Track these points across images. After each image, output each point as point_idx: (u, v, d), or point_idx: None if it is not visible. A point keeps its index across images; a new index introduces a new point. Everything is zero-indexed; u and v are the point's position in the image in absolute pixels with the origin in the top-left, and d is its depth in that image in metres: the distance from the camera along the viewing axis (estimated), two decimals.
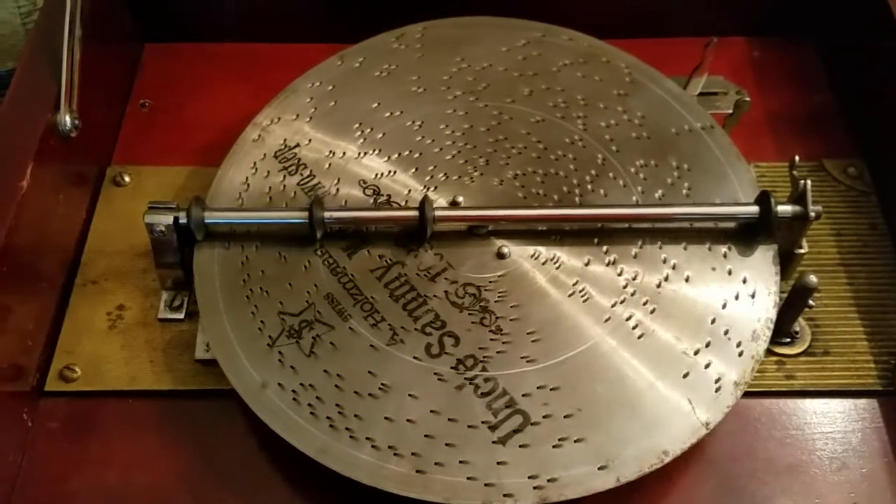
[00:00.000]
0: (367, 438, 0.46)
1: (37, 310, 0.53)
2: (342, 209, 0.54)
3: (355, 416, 0.47)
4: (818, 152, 0.61)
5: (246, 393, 0.48)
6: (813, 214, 0.50)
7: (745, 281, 0.50)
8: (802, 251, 0.52)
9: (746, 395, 0.48)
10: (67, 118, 0.54)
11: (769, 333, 0.49)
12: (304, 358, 0.49)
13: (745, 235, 0.52)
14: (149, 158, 0.62)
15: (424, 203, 0.51)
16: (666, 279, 0.51)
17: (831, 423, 0.51)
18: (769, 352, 0.52)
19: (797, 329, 0.53)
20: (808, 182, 0.50)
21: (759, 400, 0.51)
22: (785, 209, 0.51)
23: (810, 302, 0.50)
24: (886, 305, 0.54)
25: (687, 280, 0.51)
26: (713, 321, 0.49)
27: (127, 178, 0.60)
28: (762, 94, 0.65)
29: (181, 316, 0.54)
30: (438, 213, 0.52)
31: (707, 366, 0.48)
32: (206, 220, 0.51)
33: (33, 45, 0.57)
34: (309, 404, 0.47)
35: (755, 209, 0.51)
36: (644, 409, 0.47)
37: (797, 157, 0.52)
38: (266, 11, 0.69)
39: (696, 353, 0.48)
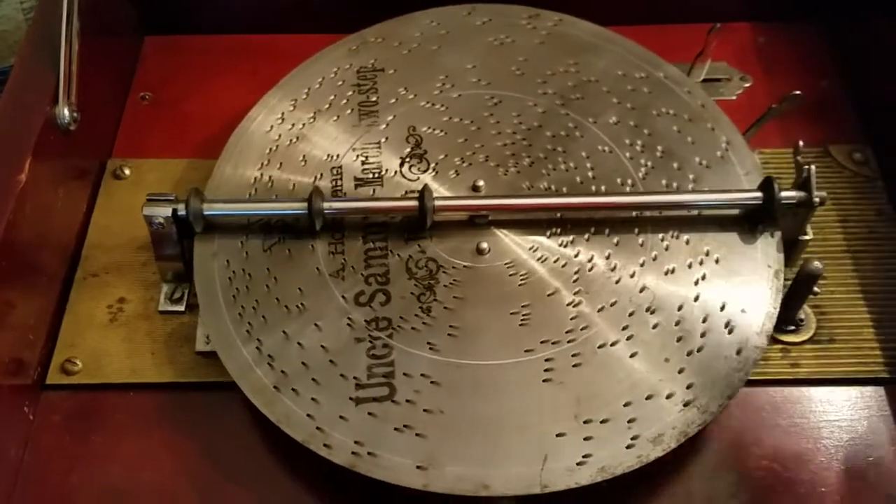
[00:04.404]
0: (258, 339, 0.49)
1: (37, 304, 0.53)
2: (342, 200, 0.54)
3: (263, 316, 0.49)
4: (824, 138, 0.60)
5: (198, 255, 0.52)
6: (817, 200, 0.50)
7: (689, 386, 0.46)
8: (807, 238, 0.52)
9: (751, 383, 0.48)
10: (66, 111, 0.54)
11: (674, 445, 0.45)
12: (259, 251, 0.52)
13: (748, 223, 0.51)
14: (149, 151, 0.62)
15: (424, 193, 0.51)
16: (612, 344, 0.48)
17: (837, 411, 0.50)
18: (774, 339, 0.51)
19: (802, 316, 0.52)
20: (813, 167, 0.50)
21: (764, 388, 0.51)
22: (789, 195, 0.50)
23: (815, 289, 0.50)
24: (893, 292, 0.54)
25: (633, 356, 0.47)
26: (626, 405, 0.46)
27: (127, 171, 0.60)
28: (767, 79, 0.64)
29: (182, 308, 0.54)
30: (438, 202, 0.51)
31: (586, 439, 0.45)
32: (205, 212, 0.51)
33: (31, 38, 0.57)
34: (237, 288, 0.50)
35: (758, 195, 0.51)
36: (500, 440, 0.45)
37: (801, 143, 0.52)
38: (267, 3, 0.68)
39: (587, 422, 0.46)
